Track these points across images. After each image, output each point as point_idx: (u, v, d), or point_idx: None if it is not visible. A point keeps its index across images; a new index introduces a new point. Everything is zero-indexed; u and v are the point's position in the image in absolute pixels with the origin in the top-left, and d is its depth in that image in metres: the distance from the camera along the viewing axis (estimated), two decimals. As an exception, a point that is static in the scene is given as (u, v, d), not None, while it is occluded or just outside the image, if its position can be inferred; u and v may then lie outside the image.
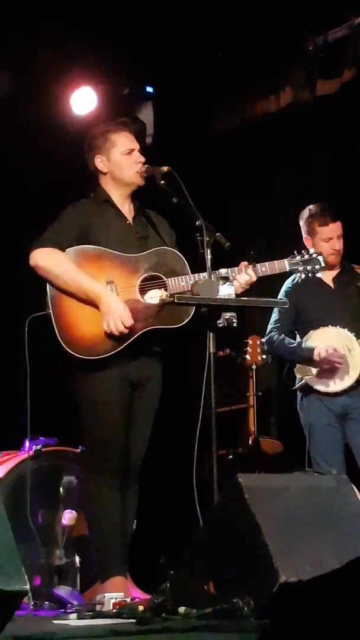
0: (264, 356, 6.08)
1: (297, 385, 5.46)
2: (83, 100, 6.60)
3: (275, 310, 5.52)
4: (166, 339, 4.65)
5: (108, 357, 4.47)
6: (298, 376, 5.47)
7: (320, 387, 5.36)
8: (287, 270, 4.66)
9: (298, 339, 5.49)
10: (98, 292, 4.49)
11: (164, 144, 6.63)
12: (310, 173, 6.99)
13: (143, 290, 4.55)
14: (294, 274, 5.02)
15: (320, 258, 4.70)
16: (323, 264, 4.72)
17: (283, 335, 5.49)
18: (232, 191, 7.27)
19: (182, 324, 4.52)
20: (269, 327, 5.56)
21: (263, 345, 6.05)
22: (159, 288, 4.54)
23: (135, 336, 4.48)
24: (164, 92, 6.90)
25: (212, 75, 6.68)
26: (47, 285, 4.54)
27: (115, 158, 4.72)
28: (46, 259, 4.54)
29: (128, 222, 4.74)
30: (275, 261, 4.62)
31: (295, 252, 4.69)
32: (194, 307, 4.48)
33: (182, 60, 6.52)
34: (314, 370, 5.36)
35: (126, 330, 4.43)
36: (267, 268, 4.59)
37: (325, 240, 5.41)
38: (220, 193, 6.96)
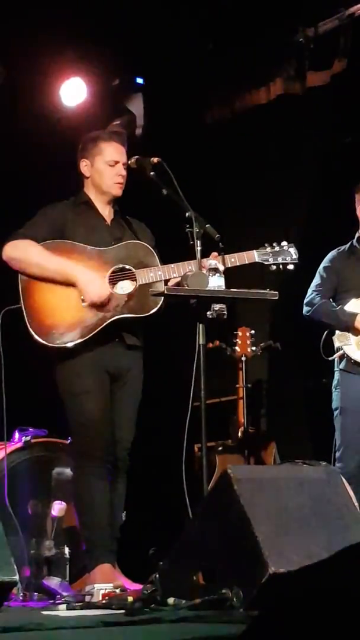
0: (254, 348, 6.08)
1: (334, 356, 5.39)
2: (73, 92, 6.58)
3: (317, 275, 5.52)
4: (145, 331, 4.69)
5: (81, 345, 4.53)
6: (336, 344, 5.37)
7: (359, 357, 5.28)
8: (257, 261, 4.66)
9: None
10: (71, 270, 4.57)
11: (154, 136, 6.62)
12: (300, 164, 6.98)
13: (113, 282, 4.60)
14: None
15: (291, 250, 4.69)
16: (295, 256, 4.69)
17: (325, 299, 5.43)
18: (222, 183, 7.26)
19: (150, 313, 4.58)
20: (310, 290, 5.51)
21: (253, 337, 6.05)
22: (128, 279, 4.59)
23: (105, 324, 4.55)
24: (154, 83, 6.88)
25: (202, 67, 6.67)
26: (19, 278, 4.61)
27: (99, 165, 4.79)
28: (18, 250, 4.63)
29: (106, 223, 4.81)
30: (244, 252, 4.64)
31: (266, 244, 4.69)
32: (162, 297, 4.52)
33: (172, 51, 6.50)
34: (354, 339, 5.31)
35: (107, 299, 4.51)
36: (236, 259, 4.61)
37: None
38: (211, 184, 6.95)
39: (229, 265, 4.56)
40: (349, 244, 5.58)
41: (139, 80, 6.92)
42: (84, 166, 4.82)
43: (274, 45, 6.52)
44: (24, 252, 4.61)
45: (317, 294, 5.46)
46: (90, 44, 6.42)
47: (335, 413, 5.37)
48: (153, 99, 6.86)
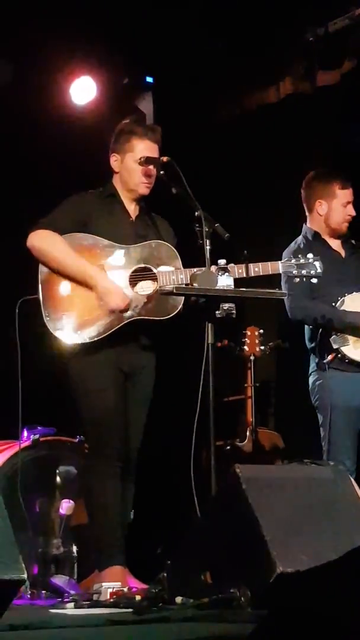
0: (263, 347, 6.07)
1: (328, 358, 5.23)
2: (83, 90, 6.59)
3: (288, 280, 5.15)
4: (160, 331, 4.68)
5: (96, 342, 4.51)
6: (334, 346, 5.18)
7: (358, 358, 5.15)
8: (280, 272, 4.64)
9: None
10: (93, 274, 4.53)
11: (164, 135, 6.60)
12: (309, 164, 6.97)
13: (133, 281, 4.57)
14: (297, 239, 5.15)
15: (317, 264, 4.62)
16: (319, 270, 4.62)
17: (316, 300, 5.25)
18: (232, 182, 7.25)
19: (169, 316, 4.56)
20: (291, 293, 5.17)
21: (262, 337, 6.04)
22: (150, 280, 4.56)
23: (122, 324, 4.52)
24: (163, 82, 6.88)
25: (212, 66, 6.66)
26: (39, 270, 4.58)
27: (128, 163, 4.74)
28: (42, 241, 4.59)
29: (131, 219, 4.77)
30: (268, 262, 4.60)
31: (292, 256, 4.67)
32: (182, 303, 4.52)
33: (182, 50, 6.50)
34: (351, 339, 5.19)
35: (126, 308, 4.47)
36: (260, 268, 4.57)
37: (344, 205, 5.34)
38: (220, 184, 6.95)
39: (252, 275, 4.53)
40: (303, 240, 5.40)
41: (149, 79, 6.93)
42: (114, 161, 4.77)
43: (284, 44, 6.51)
44: (51, 246, 4.57)
45: (303, 295, 5.21)
46: (100, 43, 6.43)
47: (322, 411, 5.28)
48: (163, 98, 6.86)
